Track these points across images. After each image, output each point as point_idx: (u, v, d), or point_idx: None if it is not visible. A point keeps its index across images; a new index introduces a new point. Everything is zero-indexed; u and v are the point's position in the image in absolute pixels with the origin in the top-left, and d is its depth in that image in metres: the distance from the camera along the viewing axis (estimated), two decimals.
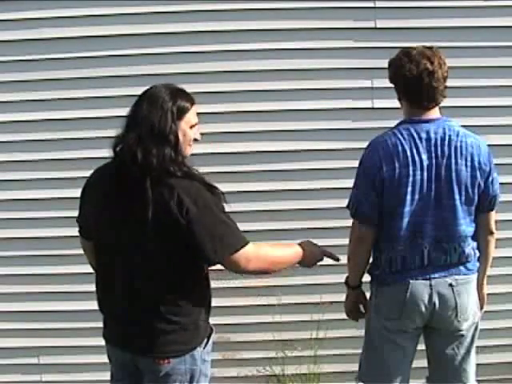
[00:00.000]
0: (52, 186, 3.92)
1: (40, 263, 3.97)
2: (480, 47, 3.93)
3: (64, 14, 3.83)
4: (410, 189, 2.72)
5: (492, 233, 2.94)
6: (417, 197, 2.73)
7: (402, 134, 2.76)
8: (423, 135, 2.75)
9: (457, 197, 2.75)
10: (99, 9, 3.83)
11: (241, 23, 3.88)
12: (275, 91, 3.91)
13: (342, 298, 3.95)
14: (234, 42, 3.87)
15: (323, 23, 3.89)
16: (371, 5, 3.90)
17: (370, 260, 2.94)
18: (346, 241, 3.78)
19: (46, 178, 3.92)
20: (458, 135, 2.78)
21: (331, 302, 3.86)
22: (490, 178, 2.83)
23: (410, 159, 2.72)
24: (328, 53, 3.90)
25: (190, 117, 2.46)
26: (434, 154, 2.74)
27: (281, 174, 3.96)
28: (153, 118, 2.37)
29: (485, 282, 3.00)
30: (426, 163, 2.73)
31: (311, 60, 3.91)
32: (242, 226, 3.85)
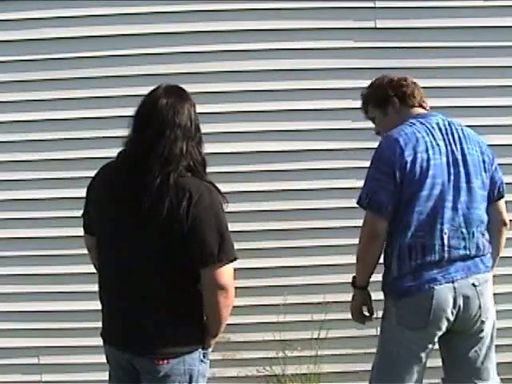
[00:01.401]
0: (52, 185, 3.92)
1: (40, 263, 3.96)
2: (480, 47, 3.93)
3: (64, 14, 3.84)
4: (431, 172, 2.73)
5: (505, 224, 2.95)
6: (438, 180, 2.73)
7: (415, 125, 2.82)
8: (434, 125, 2.82)
9: (474, 180, 2.79)
10: (99, 9, 3.84)
11: (241, 23, 3.88)
12: (275, 91, 3.91)
13: (343, 298, 3.95)
14: (234, 42, 3.88)
15: (323, 23, 3.89)
16: (371, 5, 3.90)
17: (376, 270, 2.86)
18: (346, 241, 3.80)
19: (46, 178, 3.92)
20: (459, 125, 2.87)
21: (328, 302, 3.86)
22: (495, 165, 2.90)
23: (429, 144, 2.76)
24: (328, 53, 3.90)
25: None
26: (448, 142, 2.79)
27: (281, 174, 3.96)
28: (178, 115, 2.38)
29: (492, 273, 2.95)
30: (443, 149, 2.77)
31: (311, 60, 3.91)
32: (242, 226, 3.89)
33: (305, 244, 3.97)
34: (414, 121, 2.84)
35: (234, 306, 2.47)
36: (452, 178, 2.75)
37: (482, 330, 2.84)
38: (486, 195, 2.84)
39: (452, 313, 2.74)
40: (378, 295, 2.90)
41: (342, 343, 4.01)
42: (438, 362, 2.95)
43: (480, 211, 2.81)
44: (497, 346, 3.95)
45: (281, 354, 3.95)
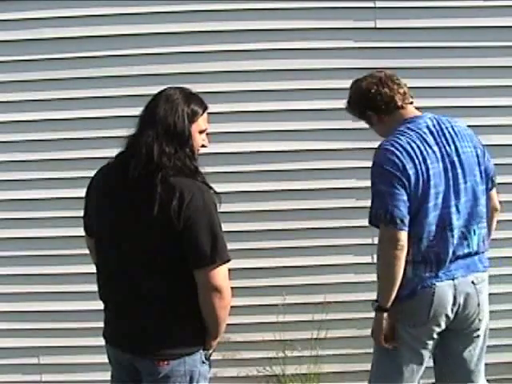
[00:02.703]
0: (52, 185, 3.92)
1: (40, 263, 3.96)
2: (480, 47, 3.93)
3: (64, 14, 3.83)
4: (432, 182, 2.72)
5: (497, 209, 2.96)
6: (439, 189, 2.73)
7: (408, 133, 2.77)
8: (425, 130, 2.77)
9: (472, 178, 2.78)
10: (99, 9, 3.84)
11: (241, 23, 3.88)
12: (275, 91, 3.91)
13: (343, 298, 3.96)
14: (234, 42, 3.87)
15: (323, 23, 3.89)
16: (371, 5, 3.90)
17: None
18: (346, 241, 3.80)
19: (46, 178, 3.92)
20: (449, 122, 2.82)
21: (328, 302, 3.87)
22: (487, 156, 2.87)
23: (425, 153, 2.73)
24: (328, 53, 3.90)
25: (200, 122, 2.49)
26: (441, 144, 2.76)
27: (281, 174, 3.96)
28: (169, 118, 2.40)
29: None
30: (438, 154, 2.75)
31: (311, 60, 3.91)
32: (242, 226, 3.89)
33: (305, 244, 3.97)
34: (403, 128, 2.78)
35: (234, 306, 2.47)
36: (451, 182, 2.74)
37: (477, 329, 2.84)
38: (483, 189, 2.83)
39: (452, 310, 2.75)
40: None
41: (341, 343, 4.01)
42: None
43: (480, 207, 2.80)
44: (497, 346, 3.97)
45: (281, 354, 3.95)
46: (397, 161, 2.70)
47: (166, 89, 2.50)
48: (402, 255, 2.67)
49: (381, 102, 2.83)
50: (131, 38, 3.85)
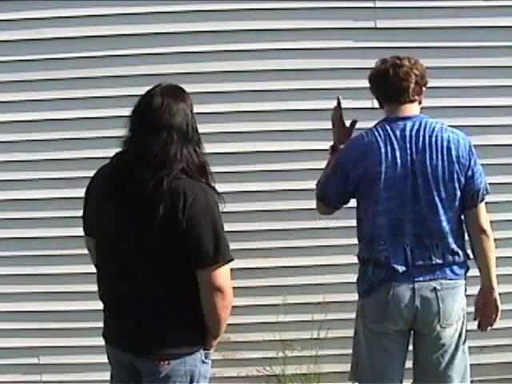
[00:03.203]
0: (52, 186, 3.92)
1: (40, 263, 3.96)
2: (480, 47, 3.93)
3: (64, 14, 3.84)
4: (383, 186, 2.74)
5: (483, 230, 2.85)
6: (392, 194, 2.74)
7: (378, 132, 2.81)
8: (398, 132, 2.78)
9: (434, 192, 2.75)
10: (99, 9, 3.84)
11: (241, 23, 3.88)
12: (275, 91, 3.91)
13: (343, 298, 3.95)
14: (234, 42, 3.88)
15: (323, 23, 3.89)
16: (371, 5, 3.90)
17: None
18: (346, 241, 3.81)
19: (46, 178, 3.92)
20: (433, 130, 2.79)
21: (328, 302, 3.87)
22: (470, 172, 2.80)
23: (383, 156, 2.75)
24: (328, 53, 3.90)
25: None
26: (408, 151, 2.75)
27: (281, 174, 3.96)
28: (174, 116, 2.37)
29: (495, 287, 2.91)
30: (399, 160, 2.74)
31: (311, 60, 3.91)
32: (242, 226, 3.89)
33: (305, 244, 3.97)
34: (378, 126, 2.83)
35: (234, 306, 2.47)
36: (408, 190, 2.74)
37: (441, 337, 2.82)
38: (455, 204, 2.79)
39: (409, 311, 2.77)
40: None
41: (342, 343, 4.00)
42: None
43: (444, 223, 2.77)
44: (497, 346, 3.96)
45: (281, 354, 3.95)
46: (352, 158, 2.82)
47: (157, 85, 2.46)
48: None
49: (392, 89, 2.85)
50: (131, 37, 3.85)
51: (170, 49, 3.87)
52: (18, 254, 3.97)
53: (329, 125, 3.94)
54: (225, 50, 3.87)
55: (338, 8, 3.89)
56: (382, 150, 2.75)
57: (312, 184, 3.95)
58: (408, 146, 2.76)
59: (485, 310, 2.93)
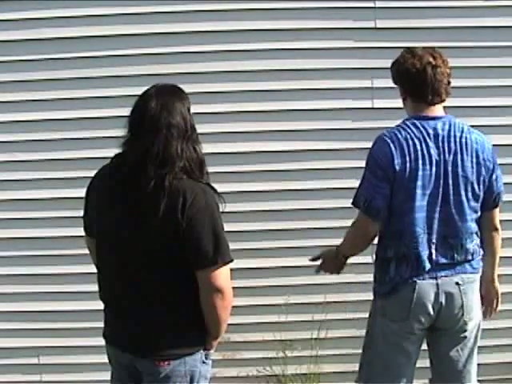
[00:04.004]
0: (52, 186, 3.92)
1: (40, 263, 3.96)
2: (480, 47, 3.93)
3: (64, 14, 3.83)
4: (419, 183, 2.73)
5: (497, 229, 2.95)
6: (426, 191, 2.74)
7: (411, 129, 2.78)
8: (431, 131, 2.78)
9: (463, 193, 2.77)
10: (99, 9, 3.84)
11: (241, 23, 3.88)
12: (275, 91, 3.91)
13: (343, 298, 3.95)
14: (234, 42, 3.87)
15: (323, 23, 3.89)
16: (371, 5, 3.90)
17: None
18: None
19: (46, 178, 3.92)
20: (462, 131, 2.81)
21: (328, 302, 3.87)
22: (494, 175, 2.86)
23: (419, 153, 2.74)
24: (328, 53, 3.90)
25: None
26: (441, 150, 2.76)
27: (281, 174, 3.96)
28: (175, 115, 2.37)
29: (496, 278, 3.02)
30: (434, 158, 2.75)
31: (311, 60, 3.91)
32: (242, 226, 3.89)
33: (305, 244, 3.97)
34: (409, 123, 2.80)
35: (234, 306, 2.47)
36: (440, 189, 2.75)
37: (464, 330, 2.86)
38: (477, 206, 2.83)
39: (433, 308, 2.78)
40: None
41: (341, 343, 4.01)
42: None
43: (469, 223, 2.81)
44: (497, 346, 3.97)
45: (281, 354, 3.95)
46: (388, 153, 2.74)
47: (153, 85, 2.46)
48: (365, 243, 2.88)
49: (417, 87, 2.80)
50: (131, 38, 3.85)
51: (169, 49, 3.87)
52: (18, 254, 3.97)
53: (329, 125, 3.95)
54: (225, 50, 3.87)
55: (338, 8, 3.89)
56: (418, 147, 2.74)
57: (312, 184, 3.97)
58: (441, 145, 2.76)
59: (488, 297, 3.03)
